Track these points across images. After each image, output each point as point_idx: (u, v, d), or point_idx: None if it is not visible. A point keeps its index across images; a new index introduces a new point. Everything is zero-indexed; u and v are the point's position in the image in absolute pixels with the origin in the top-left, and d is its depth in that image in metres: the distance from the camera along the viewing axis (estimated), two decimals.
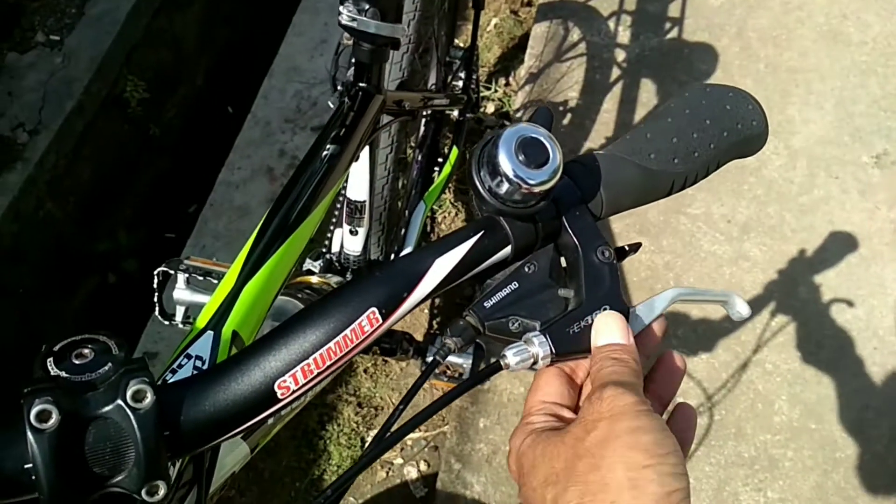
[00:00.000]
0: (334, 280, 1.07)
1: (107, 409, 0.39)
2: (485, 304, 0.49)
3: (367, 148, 1.14)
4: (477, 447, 1.48)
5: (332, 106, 2.07)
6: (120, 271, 2.12)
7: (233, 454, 0.68)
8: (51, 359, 0.41)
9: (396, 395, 1.63)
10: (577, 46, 2.13)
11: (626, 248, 0.53)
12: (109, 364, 0.41)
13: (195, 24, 2.40)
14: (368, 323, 0.44)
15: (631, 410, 0.41)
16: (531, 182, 0.45)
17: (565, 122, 1.98)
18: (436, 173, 1.68)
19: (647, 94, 2.02)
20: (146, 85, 2.14)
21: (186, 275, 1.09)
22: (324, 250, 1.28)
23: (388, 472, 1.55)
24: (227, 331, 0.65)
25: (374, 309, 0.45)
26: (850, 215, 1.80)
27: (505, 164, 0.45)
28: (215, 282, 1.09)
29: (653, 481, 0.38)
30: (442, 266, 0.47)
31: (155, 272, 1.09)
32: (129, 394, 0.39)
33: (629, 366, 0.45)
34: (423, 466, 1.56)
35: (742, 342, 1.60)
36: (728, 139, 0.55)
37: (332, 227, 1.28)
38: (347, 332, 0.44)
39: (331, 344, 0.43)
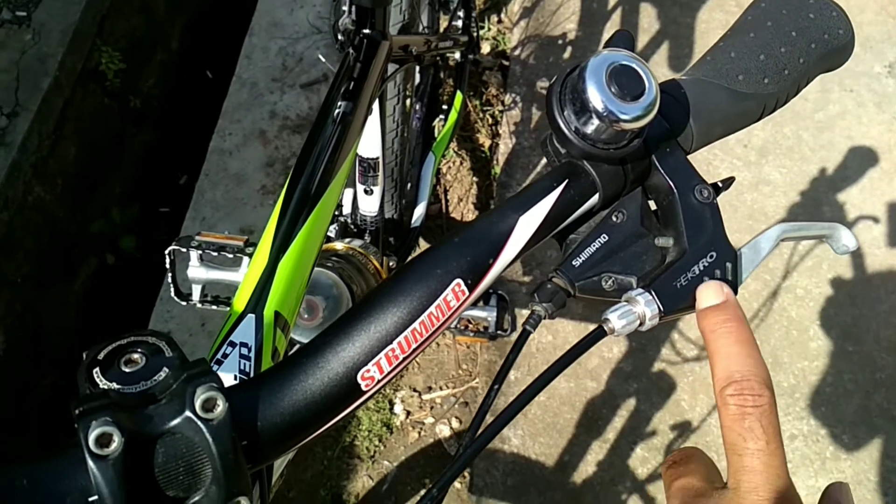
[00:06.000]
0: (357, 244, 1.01)
1: (174, 422, 0.33)
2: (573, 263, 0.43)
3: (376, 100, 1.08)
4: (509, 401, 1.43)
5: (321, 59, 1.97)
6: (118, 251, 2.05)
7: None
8: (97, 369, 0.35)
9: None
10: None
11: (720, 184, 0.48)
12: (166, 369, 0.36)
13: None
14: (454, 296, 0.39)
15: None
16: (626, 117, 0.39)
17: (566, 55, 1.90)
18: (438, 121, 1.61)
19: (648, 20, 1.94)
20: (121, 55, 2.04)
21: (199, 251, 1.03)
22: (336, 212, 1.22)
23: (420, 433, 1.52)
24: (268, 312, 0.59)
25: (460, 280, 0.39)
26: (869, 129, 1.74)
27: (595, 97, 0.39)
28: (230, 256, 1.03)
29: None
30: (527, 224, 0.41)
31: (166, 251, 1.03)
32: (198, 403, 0.34)
33: None
34: (454, 424, 1.52)
35: (770, 269, 1.56)
36: (816, 51, 0.49)
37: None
38: (432, 308, 0.38)
39: (415, 324, 0.38)
